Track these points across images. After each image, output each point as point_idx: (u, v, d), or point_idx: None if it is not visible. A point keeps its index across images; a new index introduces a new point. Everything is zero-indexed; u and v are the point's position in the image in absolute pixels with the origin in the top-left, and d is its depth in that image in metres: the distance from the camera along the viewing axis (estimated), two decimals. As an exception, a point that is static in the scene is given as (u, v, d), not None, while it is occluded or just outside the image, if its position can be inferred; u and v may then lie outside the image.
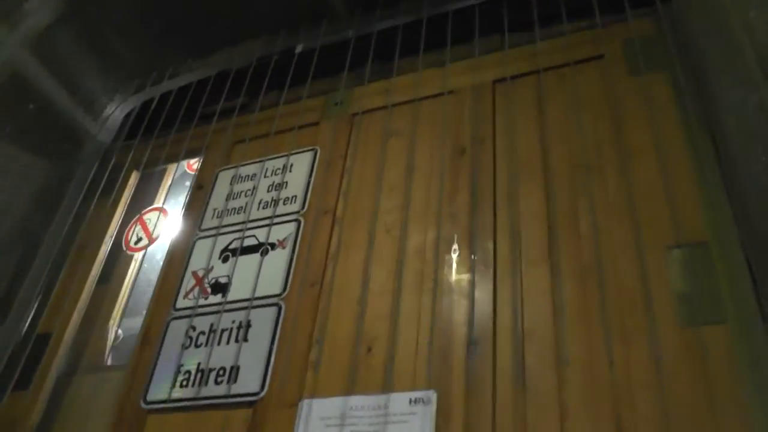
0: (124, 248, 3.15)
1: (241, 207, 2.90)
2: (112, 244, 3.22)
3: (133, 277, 3.13)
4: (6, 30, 3.23)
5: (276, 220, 2.76)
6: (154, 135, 3.51)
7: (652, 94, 2.43)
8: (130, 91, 3.82)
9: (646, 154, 2.27)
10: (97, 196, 3.41)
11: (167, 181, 3.49)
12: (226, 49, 3.60)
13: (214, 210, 2.97)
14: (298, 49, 3.42)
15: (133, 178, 3.46)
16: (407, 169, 2.68)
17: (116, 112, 3.80)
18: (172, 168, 3.57)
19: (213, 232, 2.88)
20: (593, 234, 2.16)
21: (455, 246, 2.34)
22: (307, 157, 2.93)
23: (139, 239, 3.12)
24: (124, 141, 3.68)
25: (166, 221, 3.18)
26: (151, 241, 3.09)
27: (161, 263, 2.96)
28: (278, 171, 2.95)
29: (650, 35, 2.65)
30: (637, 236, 2.08)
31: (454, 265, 2.29)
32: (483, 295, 2.17)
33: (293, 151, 2.99)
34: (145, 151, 3.46)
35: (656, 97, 2.42)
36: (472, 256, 2.28)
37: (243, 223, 2.83)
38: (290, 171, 2.92)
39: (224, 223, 2.88)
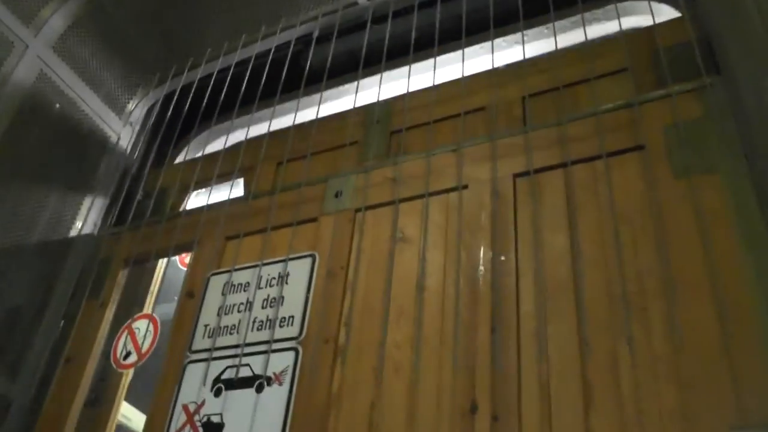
0: (113, 364, 2.91)
1: (234, 326, 2.63)
2: (101, 355, 2.98)
3: (120, 401, 2.90)
4: (29, 31, 3.37)
5: (273, 345, 2.48)
6: (144, 223, 3.25)
7: (702, 204, 2.06)
8: (151, 85, 3.93)
9: (698, 290, 1.92)
10: (86, 296, 3.18)
11: (157, 279, 3.23)
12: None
13: (206, 327, 2.70)
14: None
15: (121, 276, 3.20)
16: (417, 288, 2.37)
17: (138, 107, 3.94)
18: (161, 264, 3.31)
19: (205, 355, 2.62)
20: (635, 398, 1.83)
21: (474, 400, 2.03)
22: (305, 264, 2.64)
23: (128, 354, 2.88)
24: (112, 228, 3.43)
25: (156, 332, 2.92)
26: (141, 357, 2.84)
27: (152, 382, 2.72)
28: (274, 281, 2.67)
29: (698, 117, 2.27)
30: (692, 410, 1.74)
31: (475, 428, 1.99)
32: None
33: (290, 256, 2.69)
34: (133, 243, 3.20)
35: (708, 208, 2.05)
36: (495, 418, 1.97)
37: (237, 346, 2.56)
38: (287, 283, 2.63)
39: (217, 344, 2.62)
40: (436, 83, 3.04)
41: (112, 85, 3.82)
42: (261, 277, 2.71)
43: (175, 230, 3.11)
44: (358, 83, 3.20)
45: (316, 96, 3.32)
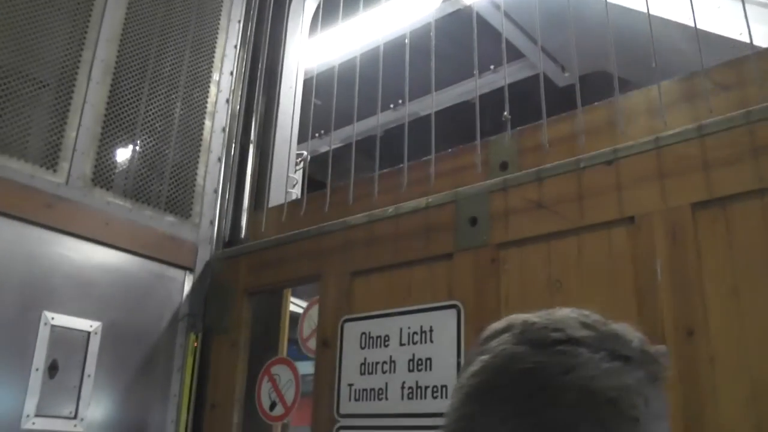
0: (262, 415, 2.88)
1: (382, 390, 2.50)
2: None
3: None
4: None
5: (427, 420, 2.33)
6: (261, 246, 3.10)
7: None
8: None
9: None
10: (210, 329, 3.13)
11: (285, 312, 3.10)
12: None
13: (350, 387, 2.58)
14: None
15: (246, 308, 3.10)
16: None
17: None
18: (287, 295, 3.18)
19: (356, 422, 2.52)
20: None
21: None
22: (450, 318, 2.42)
23: (274, 404, 2.83)
24: (226, 248, 3.30)
25: (297, 381, 2.84)
26: (288, 410, 2.79)
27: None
28: (416, 337, 2.47)
29: None
30: None
31: None
32: None
33: (430, 305, 2.47)
34: (252, 269, 3.07)
35: None
36: None
37: (388, 416, 2.43)
38: (431, 340, 2.43)
39: (365, 410, 2.50)
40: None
41: None
42: (401, 329, 2.52)
43: (294, 259, 2.93)
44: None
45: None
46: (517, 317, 0.81)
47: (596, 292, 2.17)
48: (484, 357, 0.78)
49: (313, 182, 3.50)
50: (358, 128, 3.22)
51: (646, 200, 2.15)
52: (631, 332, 0.80)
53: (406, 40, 2.96)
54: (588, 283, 2.20)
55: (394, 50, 3.31)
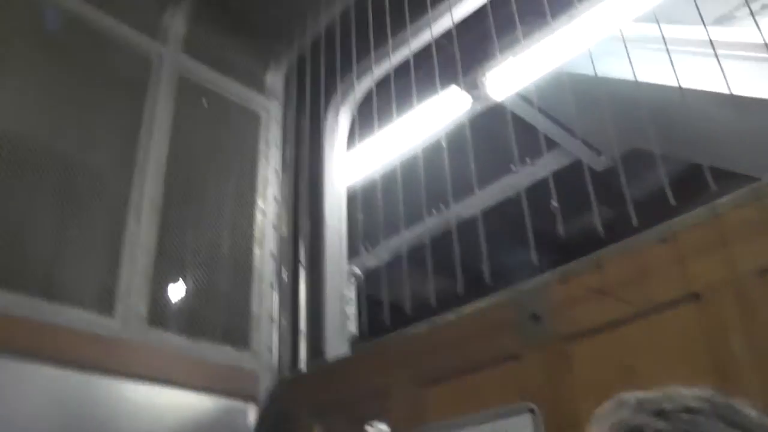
0: None
1: None
2: None
3: None
4: (156, 42, 3.73)
5: None
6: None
7: None
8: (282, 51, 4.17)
9: None
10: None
11: None
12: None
13: None
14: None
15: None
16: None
17: (277, 78, 4.21)
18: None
19: None
20: None
21: None
22: (525, 424, 2.33)
23: None
24: (288, 375, 3.29)
25: None
26: None
27: None
28: (496, 448, 2.39)
29: None
30: None
31: None
32: None
33: (503, 410, 2.41)
34: (317, 393, 3.04)
35: None
36: None
37: None
38: (510, 449, 2.35)
39: None
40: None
41: (245, 65, 4.09)
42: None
43: (358, 377, 2.91)
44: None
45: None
46: (626, 395, 0.81)
47: (672, 375, 2.09)
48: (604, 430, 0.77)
49: (366, 297, 3.52)
50: (400, 240, 3.26)
51: (709, 272, 2.11)
52: (744, 404, 0.78)
53: (444, 143, 3.03)
54: (662, 366, 2.13)
55: (429, 153, 3.39)
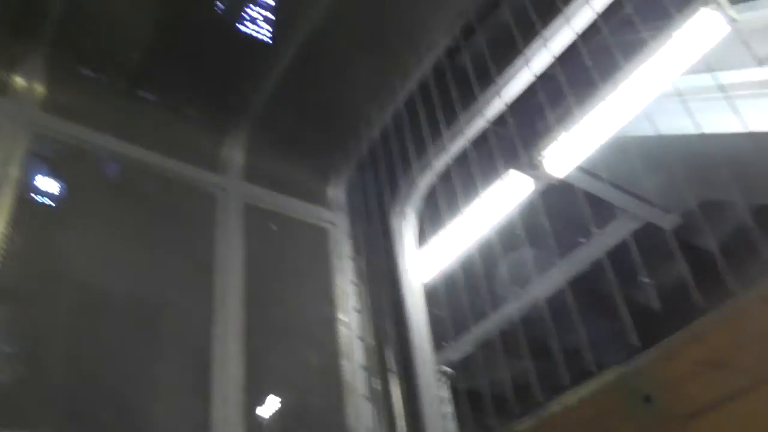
0: None
1: None
2: None
3: None
4: (218, 175, 3.89)
5: None
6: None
7: None
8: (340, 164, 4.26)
9: None
10: None
11: None
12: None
13: None
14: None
15: None
16: None
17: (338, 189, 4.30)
18: None
19: None
20: None
21: None
22: None
23: None
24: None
25: None
26: None
27: None
28: None
29: None
30: None
31: None
32: None
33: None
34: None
35: None
36: None
37: None
38: None
39: None
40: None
41: (306, 183, 4.22)
42: None
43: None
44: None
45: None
46: None
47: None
48: None
49: (458, 392, 3.46)
50: (485, 328, 3.22)
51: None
52: None
53: (519, 232, 3.02)
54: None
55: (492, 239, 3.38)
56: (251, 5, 3.90)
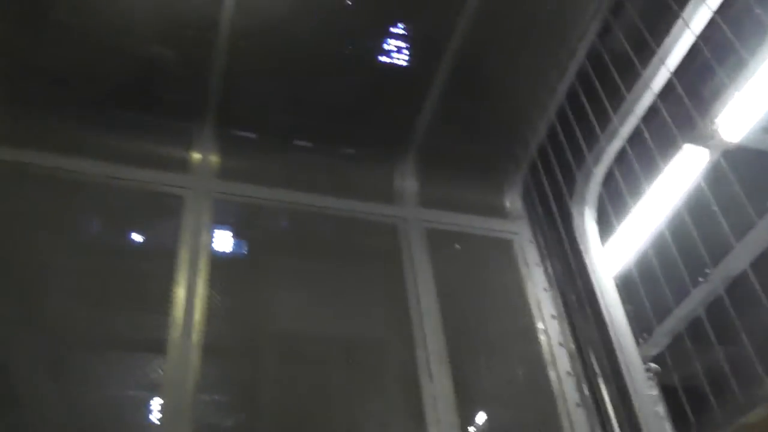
0: None
1: None
2: None
3: None
4: (395, 206, 4.03)
5: None
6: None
7: None
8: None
9: None
10: None
11: None
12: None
13: None
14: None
15: None
16: None
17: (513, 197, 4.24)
18: None
19: None
20: None
21: None
22: None
23: None
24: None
25: None
26: None
27: None
28: None
29: None
30: None
31: None
32: None
33: None
34: None
35: None
36: None
37: None
38: None
39: None
40: None
41: (482, 198, 4.20)
42: None
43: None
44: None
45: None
46: None
47: None
48: None
49: (667, 389, 3.24)
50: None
51: None
52: None
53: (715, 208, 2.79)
54: None
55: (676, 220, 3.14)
56: (393, 35, 3.95)
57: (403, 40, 3.96)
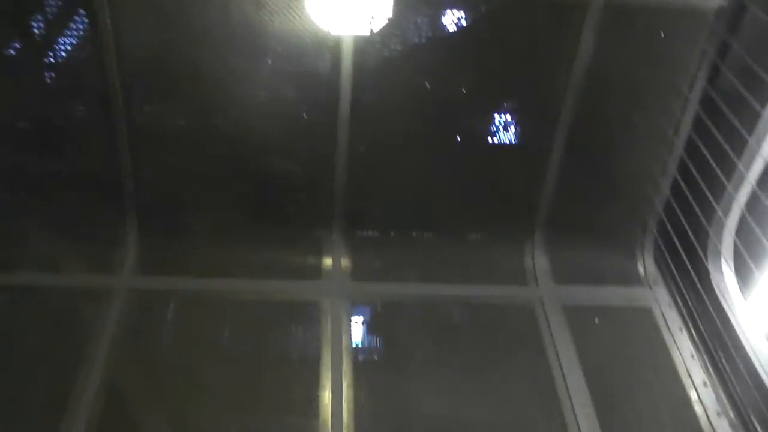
0: None
1: None
2: None
3: None
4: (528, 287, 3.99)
5: None
6: None
7: None
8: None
9: None
10: None
11: None
12: None
13: None
14: None
15: None
16: None
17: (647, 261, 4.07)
18: None
19: None
20: None
21: None
22: None
23: None
24: None
25: None
26: None
27: None
28: None
29: None
30: None
31: None
32: None
33: None
34: None
35: None
36: None
37: None
38: None
39: None
40: None
41: (614, 267, 4.08)
42: None
43: None
44: None
45: None
46: None
47: None
48: None
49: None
50: None
51: None
52: None
53: None
54: None
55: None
56: (503, 117, 3.97)
57: (513, 120, 3.97)
